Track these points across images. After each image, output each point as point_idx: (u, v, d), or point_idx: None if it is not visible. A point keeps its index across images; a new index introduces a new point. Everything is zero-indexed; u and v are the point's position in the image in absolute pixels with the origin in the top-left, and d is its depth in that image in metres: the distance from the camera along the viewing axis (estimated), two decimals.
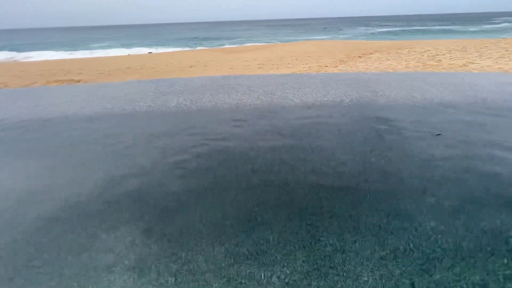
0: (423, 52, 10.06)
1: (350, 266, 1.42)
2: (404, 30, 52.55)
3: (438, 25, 61.98)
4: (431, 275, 1.36)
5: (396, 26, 67.85)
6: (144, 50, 27.45)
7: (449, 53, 9.59)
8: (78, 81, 9.56)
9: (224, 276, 1.40)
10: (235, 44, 32.99)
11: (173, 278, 1.40)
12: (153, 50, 27.10)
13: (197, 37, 51.55)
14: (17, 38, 70.67)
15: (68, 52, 30.24)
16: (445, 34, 37.10)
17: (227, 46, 26.79)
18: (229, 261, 1.49)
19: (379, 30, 51.74)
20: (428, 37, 31.16)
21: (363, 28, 62.25)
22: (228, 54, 14.32)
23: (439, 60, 8.65)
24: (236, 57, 13.10)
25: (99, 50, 31.06)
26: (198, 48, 26.16)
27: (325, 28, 64.78)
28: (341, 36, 40.88)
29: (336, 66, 8.83)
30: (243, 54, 13.86)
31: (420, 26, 62.92)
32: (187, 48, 26.35)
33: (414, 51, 10.42)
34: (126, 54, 24.63)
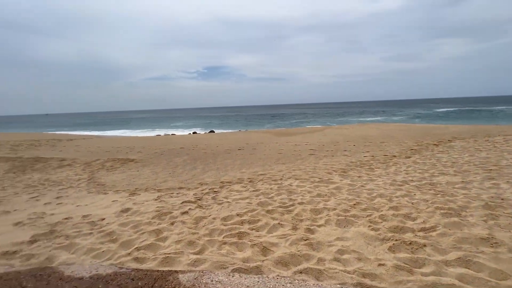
0: None
1: None
2: (462, 110, 47.56)
3: (500, 106, 54.17)
4: None
5: (453, 106, 62.43)
6: (207, 130, 29.17)
7: None
8: (133, 160, 9.12)
9: None
10: (286, 126, 32.98)
11: None
12: (217, 130, 28.69)
13: (246, 117, 54.78)
14: (109, 118, 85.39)
15: (148, 129, 34.12)
16: None
17: (279, 128, 26.62)
18: None
19: (439, 110, 47.66)
20: (501, 121, 26.65)
21: (421, 109, 58.52)
22: (279, 137, 13.18)
23: None
24: (286, 140, 11.80)
25: (172, 129, 34.23)
26: (251, 129, 26.50)
27: (380, 111, 63.10)
28: (395, 118, 38.26)
29: (409, 157, 6.58)
30: (294, 137, 12.55)
31: (476, 106, 56.22)
32: (243, 129, 26.92)
33: None
34: (191, 132, 26.14)
